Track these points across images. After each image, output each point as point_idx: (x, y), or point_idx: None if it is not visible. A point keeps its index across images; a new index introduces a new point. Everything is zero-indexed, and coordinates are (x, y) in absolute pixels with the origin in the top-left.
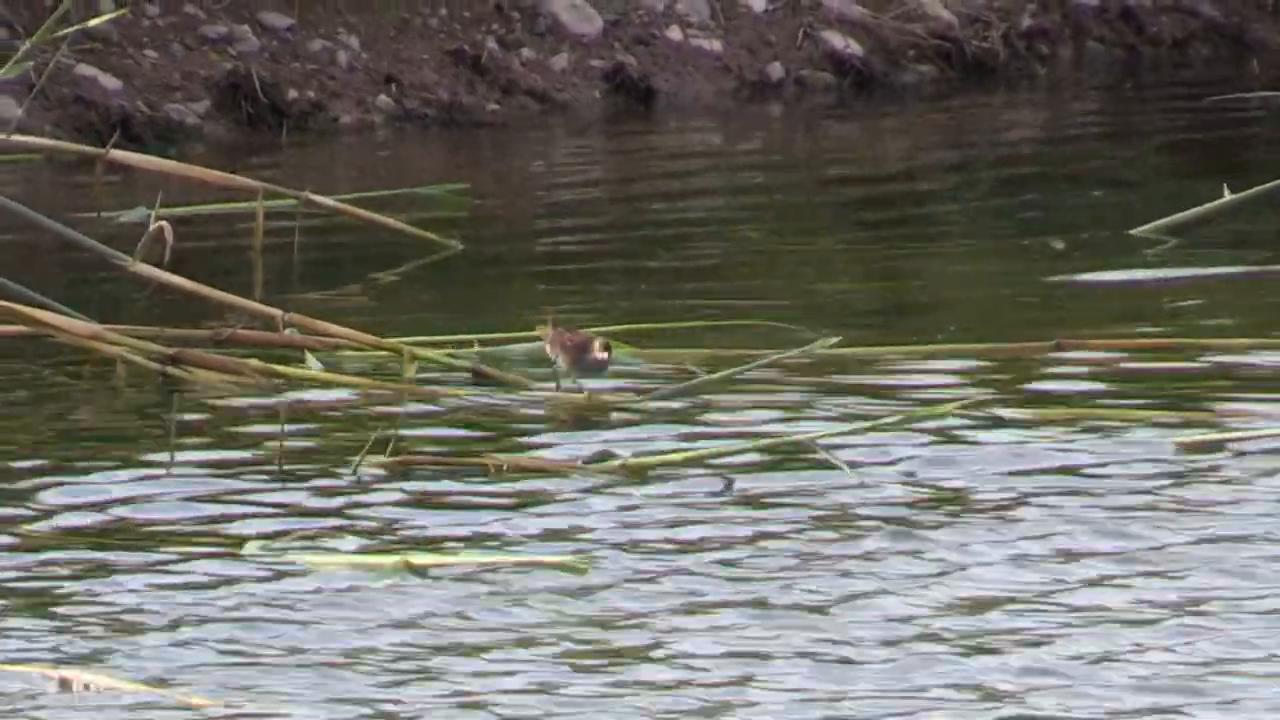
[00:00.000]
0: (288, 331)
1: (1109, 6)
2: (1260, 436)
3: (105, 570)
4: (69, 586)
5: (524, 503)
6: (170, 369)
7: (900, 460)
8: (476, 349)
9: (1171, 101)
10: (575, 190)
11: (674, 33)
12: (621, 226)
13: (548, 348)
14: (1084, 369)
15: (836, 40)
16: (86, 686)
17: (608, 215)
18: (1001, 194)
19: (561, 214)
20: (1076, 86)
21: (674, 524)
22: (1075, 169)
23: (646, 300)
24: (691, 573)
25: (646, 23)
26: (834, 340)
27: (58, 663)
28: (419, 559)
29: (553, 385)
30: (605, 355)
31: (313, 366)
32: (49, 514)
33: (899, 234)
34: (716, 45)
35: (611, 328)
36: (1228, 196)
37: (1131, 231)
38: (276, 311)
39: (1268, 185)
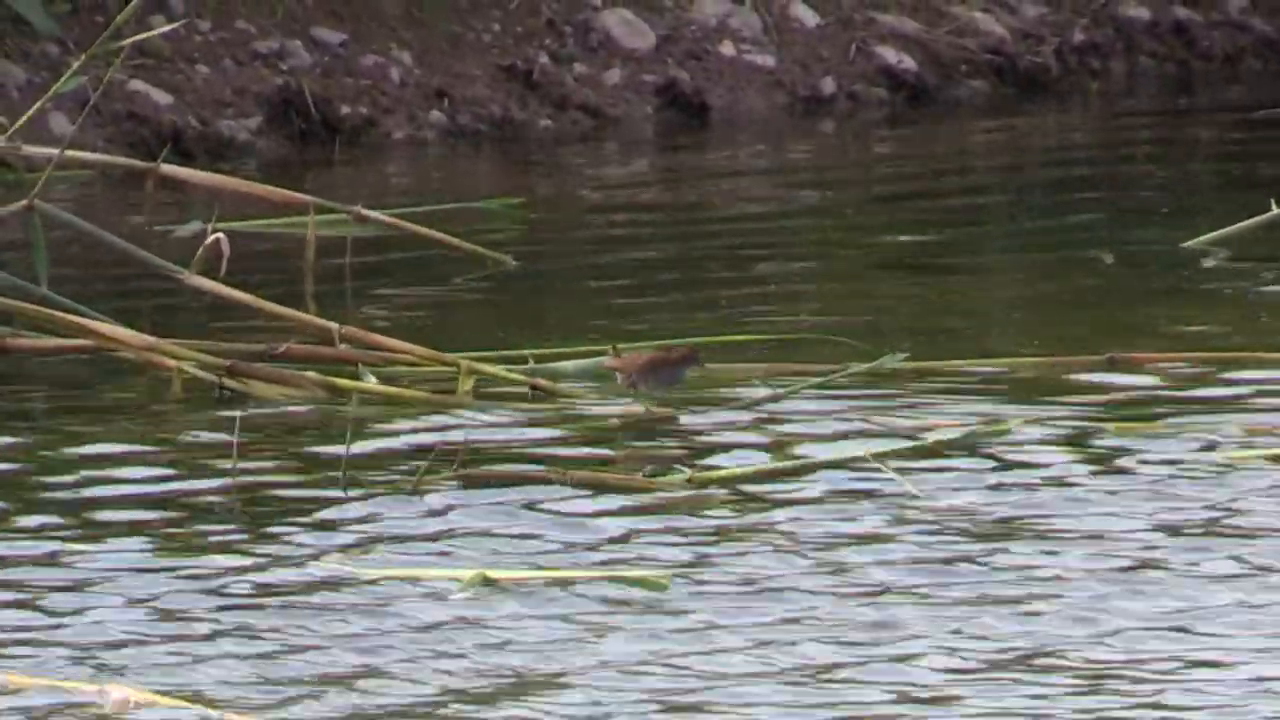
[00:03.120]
0: (343, 346)
1: (1161, 21)
2: None
3: (166, 581)
4: (117, 600)
5: (594, 516)
6: (228, 381)
7: (963, 476)
8: (532, 364)
9: (1223, 115)
10: (628, 206)
11: (726, 48)
12: (676, 242)
13: (619, 379)
14: (1143, 383)
15: (889, 55)
16: (133, 704)
17: (662, 231)
18: (1055, 207)
19: (615, 229)
20: (1128, 101)
21: (747, 538)
22: (1127, 183)
23: (703, 316)
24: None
25: (699, 38)
26: (901, 356)
27: (105, 675)
28: (497, 573)
29: (612, 398)
30: (679, 363)
31: (369, 381)
32: (99, 525)
33: (954, 249)
34: (769, 60)
35: (669, 341)
36: (1276, 210)
37: (1182, 245)
38: (332, 325)
39: None
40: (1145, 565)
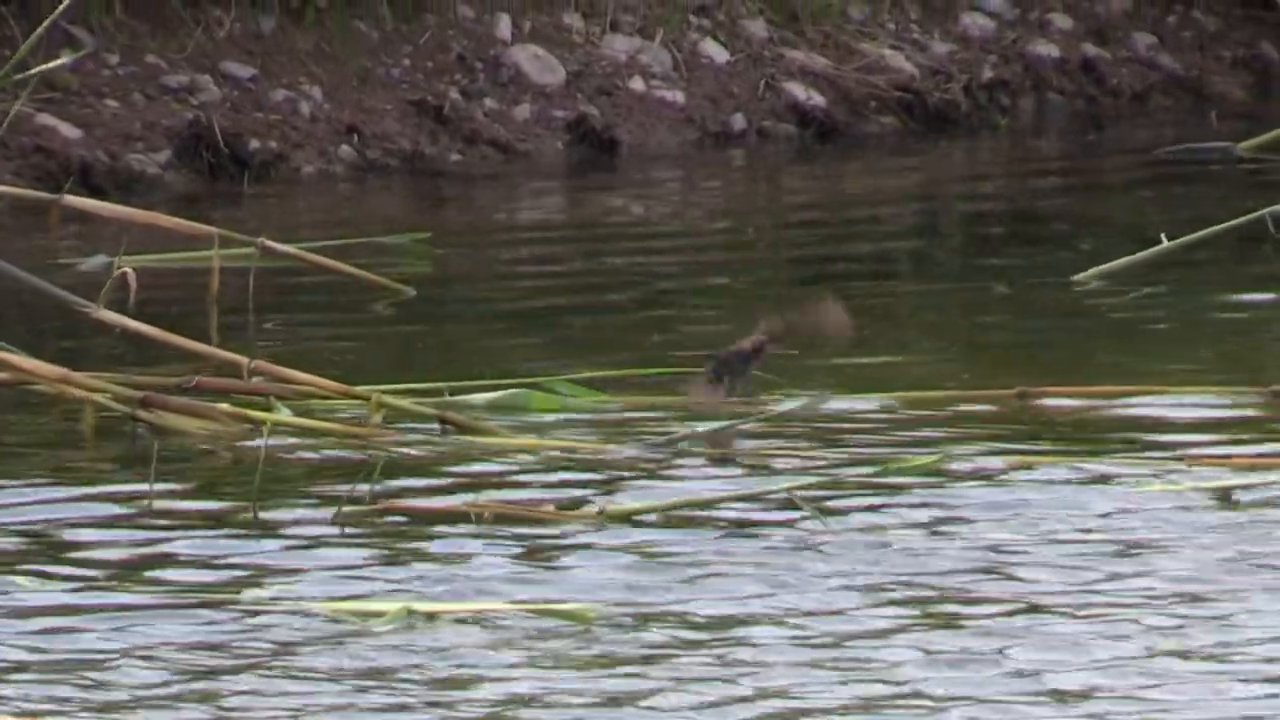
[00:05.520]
0: (254, 380)
1: (1069, 59)
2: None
3: (78, 617)
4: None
5: (512, 550)
6: (140, 414)
7: (878, 511)
8: (445, 397)
9: (1130, 154)
10: (537, 240)
11: (636, 84)
12: (585, 275)
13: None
14: (1053, 417)
15: (799, 91)
16: None
17: (571, 265)
18: (961, 241)
19: (525, 263)
20: (1036, 137)
21: (669, 573)
22: (1033, 218)
23: (613, 349)
24: (687, 623)
25: (609, 74)
26: (829, 396)
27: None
28: (421, 605)
29: (524, 431)
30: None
31: (282, 414)
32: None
33: (863, 282)
34: (679, 96)
35: (580, 375)
36: (1165, 244)
37: (1075, 277)
38: (242, 359)
39: (1202, 233)
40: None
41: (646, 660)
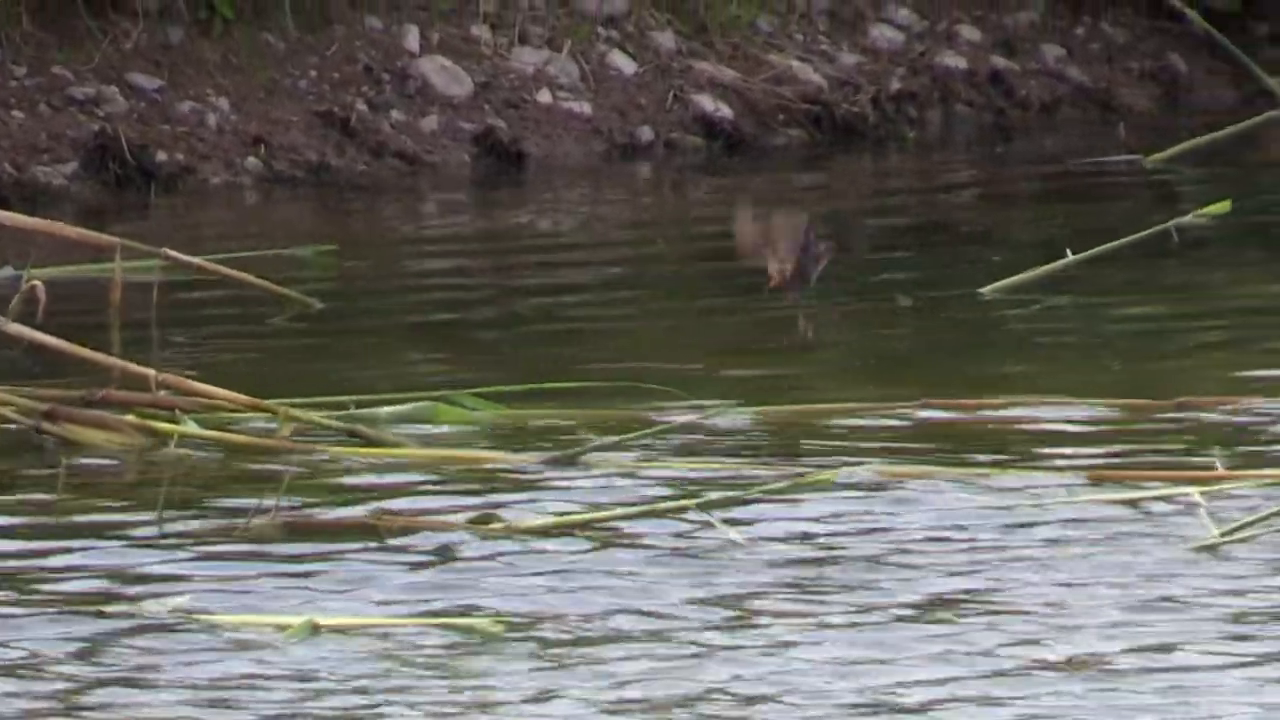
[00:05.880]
0: (161, 392)
1: (978, 71)
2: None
3: None
4: None
5: (418, 563)
6: (46, 426)
7: (796, 523)
8: (352, 410)
9: (1038, 165)
10: (444, 253)
11: (544, 95)
12: (492, 288)
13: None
14: (957, 428)
15: (706, 103)
16: None
17: (478, 277)
18: (870, 254)
19: (431, 276)
20: (945, 149)
21: (573, 586)
22: (939, 230)
23: (519, 361)
24: (591, 640)
25: (516, 86)
26: (736, 404)
27: None
28: (326, 619)
29: (432, 443)
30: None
31: (189, 426)
32: None
33: (771, 296)
34: (586, 108)
35: (486, 389)
36: (1070, 257)
37: (980, 290)
38: (149, 371)
39: (1107, 246)
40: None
41: (548, 669)
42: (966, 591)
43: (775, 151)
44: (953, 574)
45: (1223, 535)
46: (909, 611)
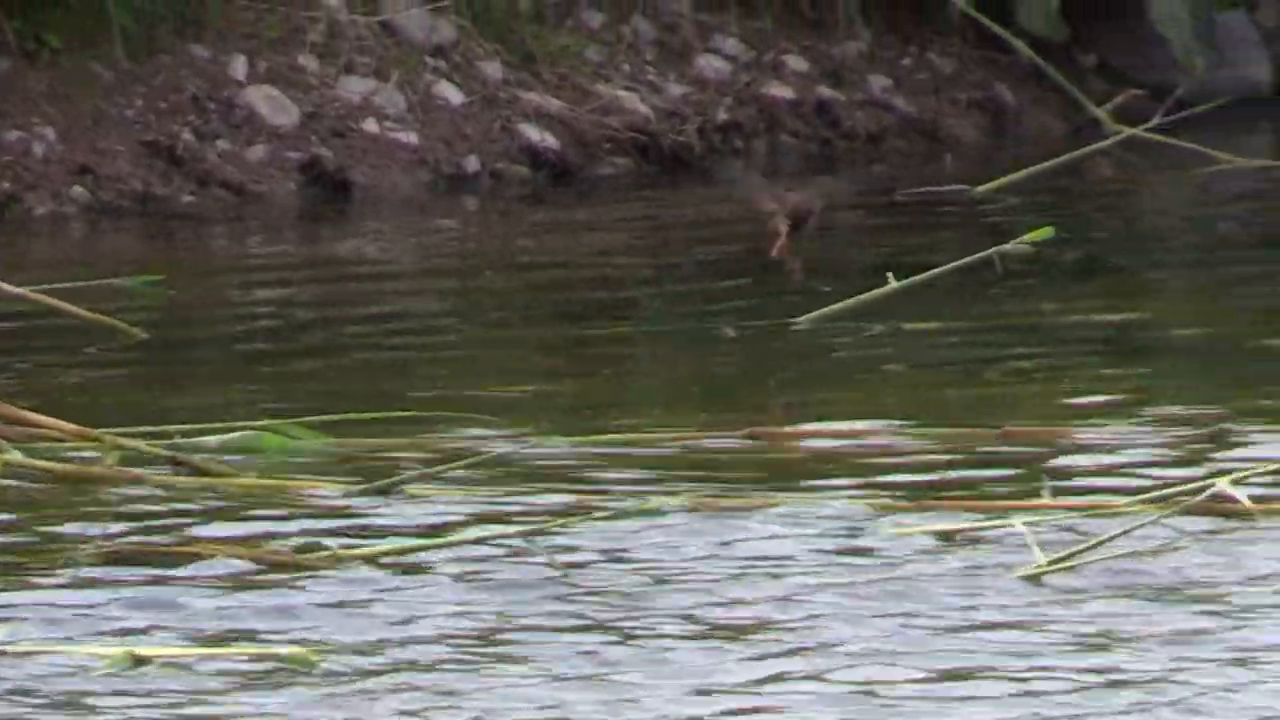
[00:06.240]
0: None
1: (804, 101)
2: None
3: None
4: None
5: (242, 590)
6: None
7: (615, 550)
8: (178, 439)
9: (864, 195)
10: (271, 283)
11: (370, 125)
12: (318, 317)
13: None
14: (782, 457)
15: (533, 133)
16: None
17: (304, 307)
18: (696, 284)
19: (257, 305)
20: (771, 179)
21: (399, 614)
22: (766, 260)
23: (342, 391)
24: (415, 668)
25: (343, 115)
26: (560, 432)
27: None
28: (145, 649)
29: (258, 473)
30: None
31: (12, 455)
32: None
33: (596, 325)
34: (413, 138)
35: (313, 418)
36: (891, 284)
37: (801, 318)
38: None
39: (928, 273)
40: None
41: (372, 697)
42: (771, 621)
43: (602, 181)
44: (763, 602)
45: (1049, 564)
46: (715, 639)
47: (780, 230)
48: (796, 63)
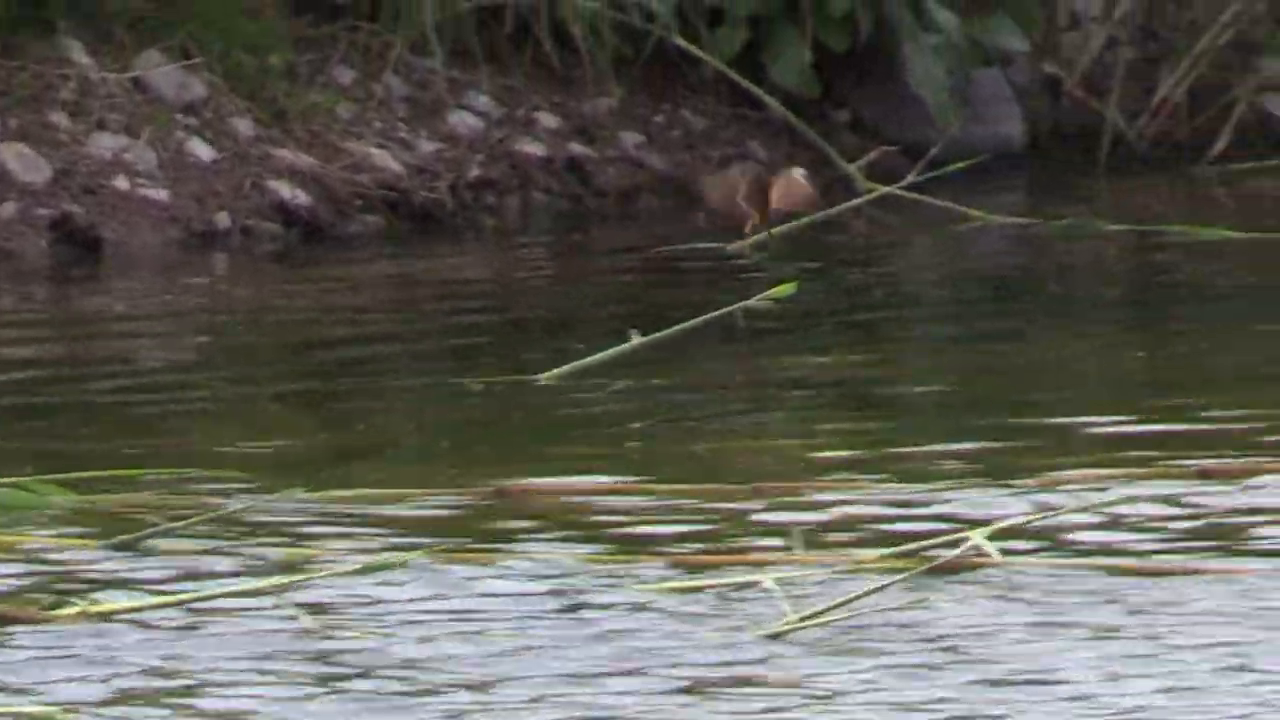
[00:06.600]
0: None
1: (555, 158)
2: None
3: None
4: None
5: None
6: None
7: (360, 604)
8: None
9: (617, 253)
10: (19, 340)
11: (121, 182)
12: (63, 375)
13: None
14: (528, 514)
15: (284, 190)
16: None
17: (52, 364)
18: (444, 341)
19: (5, 363)
20: (522, 236)
21: (147, 670)
22: (515, 317)
23: (93, 446)
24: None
25: (94, 172)
26: (307, 486)
27: None
28: None
29: (12, 526)
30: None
31: None
32: None
33: (345, 381)
34: (164, 195)
35: (56, 476)
36: (635, 339)
37: (543, 375)
38: None
39: (672, 329)
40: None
41: None
42: (497, 678)
43: (353, 239)
44: (491, 659)
45: (801, 620)
46: (427, 694)
47: (750, 211)
48: (548, 119)
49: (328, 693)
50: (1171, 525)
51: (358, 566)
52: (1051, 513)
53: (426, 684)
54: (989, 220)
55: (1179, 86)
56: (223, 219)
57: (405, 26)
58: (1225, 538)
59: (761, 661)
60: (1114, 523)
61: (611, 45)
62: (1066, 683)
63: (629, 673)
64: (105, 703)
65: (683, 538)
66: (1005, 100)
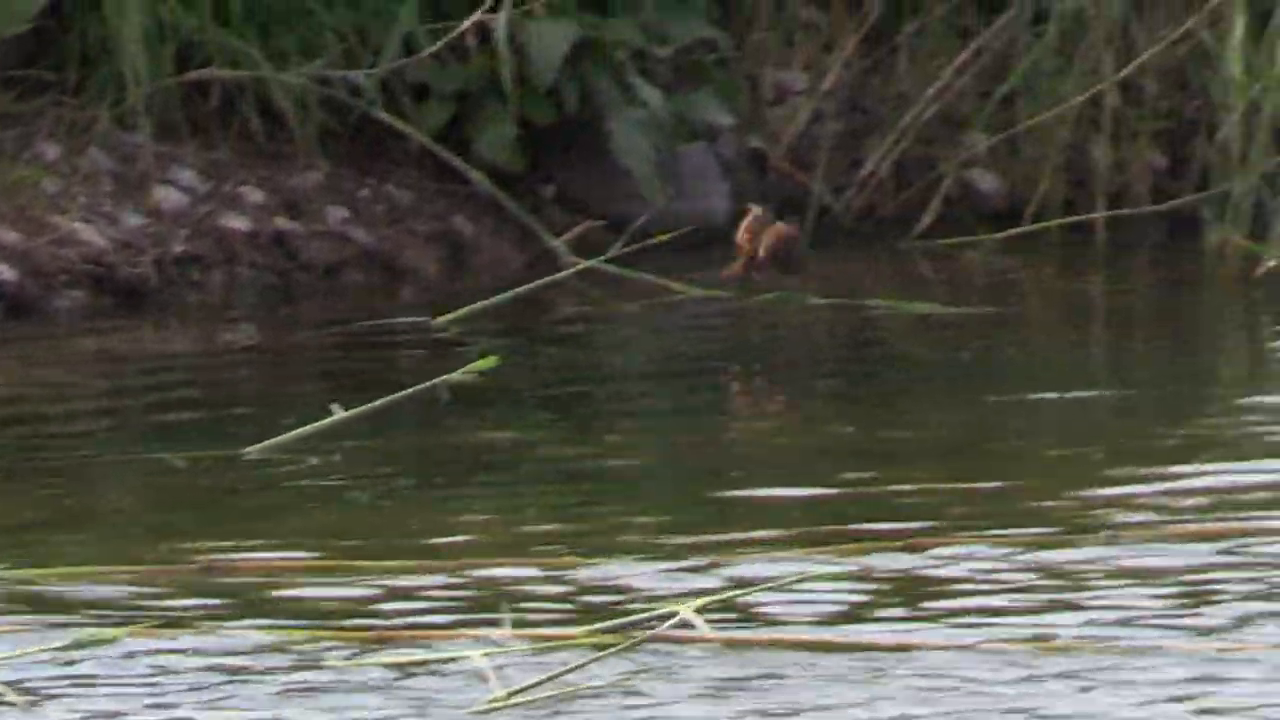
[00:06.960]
0: None
1: (261, 232)
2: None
3: None
4: None
5: None
6: None
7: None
8: None
9: (322, 328)
10: None
11: None
12: None
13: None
14: (229, 585)
15: None
16: None
17: None
18: (149, 416)
19: None
20: (228, 312)
21: None
22: (219, 393)
23: None
24: None
25: None
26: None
27: None
28: None
29: None
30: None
31: None
32: None
33: (50, 458)
34: None
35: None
36: (338, 413)
37: (246, 450)
38: None
39: (373, 404)
40: None
41: None
42: None
43: (59, 314)
44: None
45: (508, 696)
46: None
47: (747, 249)
48: (254, 194)
49: None
50: (855, 597)
51: (70, 641)
52: (752, 588)
53: None
54: (689, 293)
55: (885, 160)
56: None
57: (111, 101)
58: (911, 606)
59: None
60: (804, 595)
61: (318, 119)
62: None
63: None
64: None
65: (392, 612)
66: (712, 174)
